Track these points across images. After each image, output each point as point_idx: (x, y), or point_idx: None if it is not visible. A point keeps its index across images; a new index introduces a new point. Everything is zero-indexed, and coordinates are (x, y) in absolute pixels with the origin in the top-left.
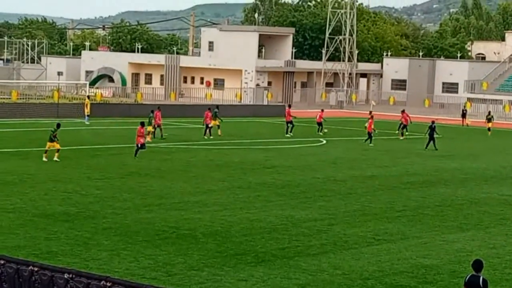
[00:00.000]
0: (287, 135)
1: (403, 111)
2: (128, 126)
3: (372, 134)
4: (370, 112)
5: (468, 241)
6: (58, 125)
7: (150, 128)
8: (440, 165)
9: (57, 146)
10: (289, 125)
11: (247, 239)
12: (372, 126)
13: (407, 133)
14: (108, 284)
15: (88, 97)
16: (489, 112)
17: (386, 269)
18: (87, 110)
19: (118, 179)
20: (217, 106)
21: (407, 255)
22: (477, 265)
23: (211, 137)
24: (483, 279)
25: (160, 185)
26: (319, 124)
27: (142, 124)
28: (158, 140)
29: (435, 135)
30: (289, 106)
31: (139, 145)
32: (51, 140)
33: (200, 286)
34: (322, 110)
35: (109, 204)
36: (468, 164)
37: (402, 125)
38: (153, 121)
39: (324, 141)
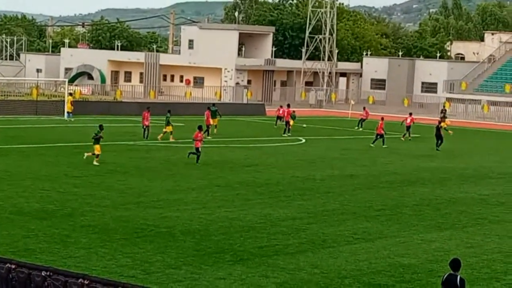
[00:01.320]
0: (285, 135)
1: (410, 114)
2: (107, 123)
3: (383, 136)
4: (382, 118)
5: (446, 240)
6: (101, 127)
7: (169, 128)
8: (419, 164)
9: (99, 150)
10: (287, 124)
11: (226, 237)
12: (383, 127)
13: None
14: (86, 282)
15: (71, 94)
16: (442, 111)
17: (364, 268)
18: (69, 107)
19: (97, 177)
20: (214, 104)
21: (385, 254)
22: (455, 264)
23: (209, 137)
24: (460, 278)
25: (139, 183)
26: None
27: (200, 128)
28: (140, 139)
29: (443, 135)
30: (288, 106)
31: (198, 149)
32: (97, 143)
33: (178, 284)
34: (288, 106)
35: (87, 202)
36: (447, 163)
37: (406, 127)
38: (169, 121)
39: (304, 140)
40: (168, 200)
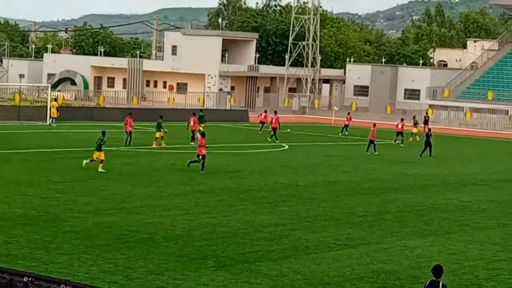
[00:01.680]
0: (270, 139)
1: (402, 120)
2: (90, 129)
3: (374, 142)
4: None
5: (428, 246)
6: (104, 133)
7: (158, 134)
8: (402, 171)
9: (102, 156)
10: (273, 132)
11: (209, 243)
12: (374, 135)
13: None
14: (68, 287)
15: (55, 99)
16: (414, 117)
17: (346, 274)
18: (54, 112)
19: (79, 183)
20: (201, 110)
21: (368, 260)
22: (437, 271)
23: (192, 142)
24: (442, 284)
25: (122, 189)
26: (275, 129)
27: (203, 134)
28: (123, 145)
29: (431, 142)
30: (275, 112)
31: (201, 157)
32: (100, 149)
33: None
34: (276, 113)
35: (69, 208)
36: (429, 170)
37: (397, 132)
38: (162, 126)
39: (287, 146)
40: (151, 206)
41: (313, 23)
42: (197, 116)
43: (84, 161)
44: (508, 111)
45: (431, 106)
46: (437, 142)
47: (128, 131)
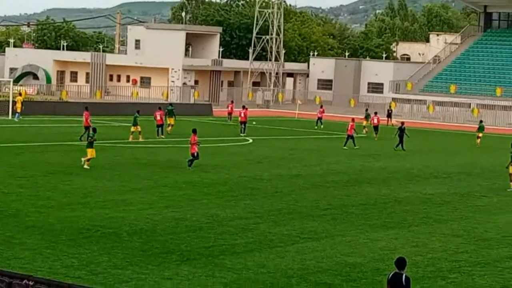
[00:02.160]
0: (242, 135)
1: (375, 113)
2: (52, 124)
3: (353, 136)
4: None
5: (391, 239)
6: (95, 130)
7: (134, 129)
8: (365, 164)
9: (93, 154)
10: (242, 125)
11: (172, 237)
12: (354, 128)
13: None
14: (31, 283)
15: (20, 94)
16: (366, 109)
17: (310, 267)
18: (18, 107)
19: (42, 177)
20: (171, 104)
21: (332, 253)
22: (400, 263)
23: (163, 136)
24: (405, 276)
25: (85, 183)
26: (244, 123)
27: (195, 131)
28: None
29: (404, 137)
30: (243, 107)
31: (195, 154)
32: (91, 146)
33: (124, 285)
34: (244, 107)
35: (32, 203)
36: (392, 163)
37: (374, 127)
38: (138, 121)
39: (251, 140)
40: (114, 200)
41: (277, 17)
42: (166, 110)
43: (84, 163)
44: (470, 104)
45: (394, 99)
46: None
47: (85, 126)
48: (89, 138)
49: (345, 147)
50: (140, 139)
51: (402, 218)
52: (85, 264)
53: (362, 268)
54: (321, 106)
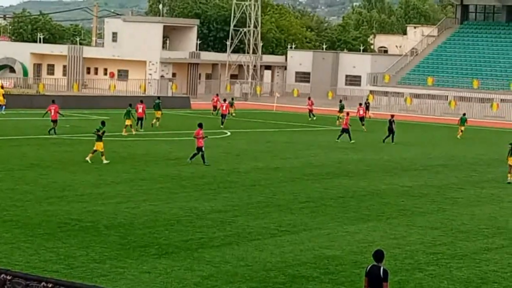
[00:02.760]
0: (222, 126)
1: (360, 104)
2: (29, 117)
3: (349, 131)
4: (348, 113)
5: (369, 232)
6: (103, 123)
7: (128, 122)
8: (343, 157)
9: (102, 147)
10: (223, 118)
11: (151, 231)
12: (349, 123)
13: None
14: (8, 277)
15: (2, 86)
16: (340, 101)
17: (289, 260)
18: (1, 100)
19: (19, 171)
20: (159, 97)
21: (310, 246)
22: (378, 256)
23: (141, 130)
24: (383, 269)
25: (62, 177)
26: (224, 116)
27: (201, 125)
28: (64, 133)
29: (394, 129)
30: (225, 100)
31: (202, 149)
32: (99, 140)
33: (102, 278)
34: (225, 100)
35: (9, 196)
36: (370, 155)
37: (359, 118)
38: (134, 114)
39: (229, 133)
40: (92, 194)
41: (254, 9)
42: (154, 103)
43: (88, 157)
44: (447, 96)
45: (372, 92)
46: (377, 127)
47: (53, 119)
48: (96, 130)
49: (337, 140)
50: (133, 132)
51: (380, 211)
52: (63, 258)
53: (340, 261)
54: (309, 98)
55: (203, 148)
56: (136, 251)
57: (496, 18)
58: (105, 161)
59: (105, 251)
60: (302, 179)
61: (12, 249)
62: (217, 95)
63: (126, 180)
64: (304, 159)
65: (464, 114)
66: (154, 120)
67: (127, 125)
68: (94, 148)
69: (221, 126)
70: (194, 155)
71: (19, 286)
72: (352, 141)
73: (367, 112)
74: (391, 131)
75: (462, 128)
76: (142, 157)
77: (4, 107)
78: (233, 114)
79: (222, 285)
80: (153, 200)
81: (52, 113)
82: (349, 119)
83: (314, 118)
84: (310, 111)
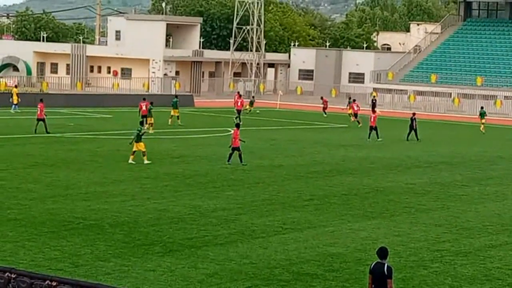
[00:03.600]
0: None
1: (354, 101)
2: (33, 116)
3: (376, 128)
4: (374, 111)
5: (373, 229)
6: (142, 123)
7: (150, 120)
8: (347, 154)
9: (143, 147)
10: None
11: (155, 229)
12: (376, 120)
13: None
14: (13, 275)
15: (16, 86)
16: (321, 97)
17: (293, 258)
18: (15, 99)
19: (23, 170)
20: (176, 96)
21: (314, 243)
22: (382, 253)
23: (147, 126)
24: (387, 266)
25: (66, 175)
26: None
27: (238, 126)
28: (66, 132)
29: (415, 126)
30: (240, 96)
31: (238, 148)
32: (139, 140)
33: (107, 276)
34: (240, 96)
35: (14, 195)
36: (374, 153)
37: (354, 115)
38: (152, 112)
39: (232, 131)
40: (96, 192)
41: (257, 7)
42: (172, 102)
43: (130, 159)
44: (451, 93)
45: (375, 89)
46: (381, 125)
47: (38, 117)
48: (138, 131)
49: (369, 139)
50: (151, 131)
51: (384, 208)
52: (68, 257)
53: (344, 258)
54: (322, 98)
55: (240, 148)
56: (140, 249)
57: (499, 15)
58: (146, 161)
59: (110, 249)
60: (306, 176)
61: (17, 247)
62: (238, 93)
63: (130, 179)
64: (308, 157)
65: (482, 108)
66: (170, 120)
67: (151, 123)
68: (134, 149)
69: (240, 123)
70: (230, 155)
71: (24, 284)
72: (380, 139)
73: (373, 110)
74: (412, 128)
75: (483, 121)
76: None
77: (16, 106)
78: (258, 112)
79: (226, 282)
80: (157, 198)
81: (38, 112)
82: (377, 117)
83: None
84: (325, 108)
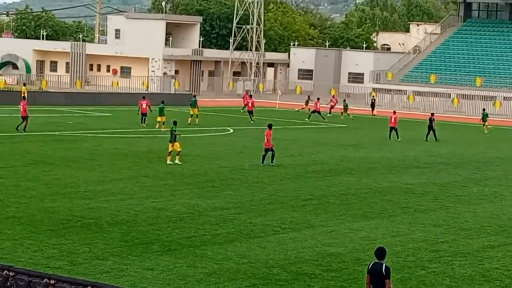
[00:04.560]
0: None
1: (318, 99)
2: (32, 114)
3: (396, 129)
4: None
5: (372, 229)
6: (175, 123)
7: (159, 118)
8: (346, 154)
9: (179, 147)
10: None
11: (153, 228)
12: (397, 120)
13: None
14: (11, 273)
15: (24, 84)
16: (308, 96)
17: (291, 258)
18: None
19: (22, 168)
20: (194, 96)
21: (312, 243)
22: (380, 253)
23: (144, 124)
24: (385, 266)
25: (65, 173)
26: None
27: (270, 126)
28: (66, 129)
29: (434, 127)
30: (251, 96)
31: (271, 149)
32: (174, 140)
33: (105, 275)
34: (251, 97)
35: (12, 193)
36: (373, 153)
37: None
38: (164, 111)
39: (231, 130)
40: (95, 190)
41: (257, 6)
42: (190, 101)
43: (168, 160)
44: (450, 94)
45: (374, 89)
46: (380, 125)
47: (22, 116)
48: (174, 131)
49: (389, 140)
50: (162, 129)
51: (383, 208)
52: (66, 255)
53: (342, 258)
54: (333, 96)
55: (273, 149)
56: (138, 248)
57: (499, 16)
58: (178, 161)
59: (108, 247)
60: (304, 176)
61: (15, 245)
62: (247, 92)
63: (128, 177)
64: (307, 157)
65: (484, 109)
66: (191, 119)
67: (159, 122)
68: (170, 150)
69: (251, 121)
70: (264, 156)
71: (22, 282)
72: (399, 139)
73: (373, 110)
74: (430, 128)
75: (486, 123)
76: (145, 154)
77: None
78: (242, 110)
79: (224, 282)
80: (156, 197)
81: (21, 110)
82: (398, 118)
83: (348, 115)
84: (332, 107)
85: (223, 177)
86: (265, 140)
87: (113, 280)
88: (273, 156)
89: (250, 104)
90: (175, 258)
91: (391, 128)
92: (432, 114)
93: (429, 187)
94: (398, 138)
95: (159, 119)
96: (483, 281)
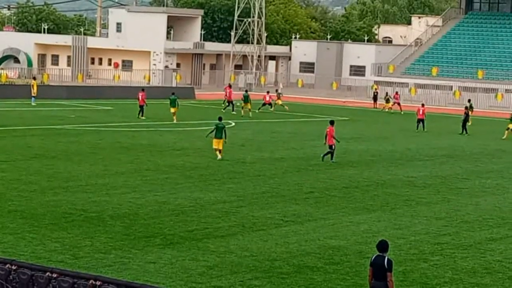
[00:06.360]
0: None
1: (267, 92)
2: (33, 107)
3: (424, 121)
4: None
5: (374, 222)
6: (220, 119)
7: (173, 110)
8: (348, 147)
9: (220, 145)
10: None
11: (155, 221)
12: (425, 113)
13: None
14: (14, 267)
15: (34, 78)
16: (276, 90)
17: (293, 251)
18: (33, 91)
19: (24, 161)
20: (246, 90)
21: (315, 236)
22: (382, 246)
23: (143, 117)
24: (388, 259)
25: (67, 167)
26: (270, 104)
27: (332, 123)
28: (68, 123)
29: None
30: (268, 92)
31: (332, 147)
32: (220, 137)
33: (107, 269)
34: (268, 92)
35: (14, 187)
36: (375, 146)
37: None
38: (177, 102)
39: (233, 124)
40: (97, 184)
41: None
42: (242, 96)
43: (219, 157)
44: (452, 87)
45: (376, 82)
46: (383, 117)
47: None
48: (222, 126)
49: (417, 130)
50: (174, 121)
51: (385, 201)
52: (68, 248)
53: (345, 251)
54: (396, 93)
55: (333, 146)
56: (141, 242)
57: (501, 9)
58: (219, 156)
59: (110, 241)
60: (306, 169)
61: (17, 239)
62: (268, 92)
63: (130, 171)
64: (309, 150)
65: (470, 100)
66: (243, 111)
67: (173, 113)
68: (215, 147)
69: (271, 109)
70: (330, 153)
71: (24, 276)
72: (426, 130)
73: (375, 103)
74: (465, 121)
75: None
76: (147, 148)
77: (34, 98)
78: (286, 107)
79: (226, 275)
80: (158, 191)
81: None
82: (425, 110)
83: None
84: (398, 104)
85: (225, 170)
86: (328, 137)
87: (116, 274)
88: (332, 153)
89: (267, 98)
90: (177, 252)
91: (419, 120)
92: (466, 108)
93: (431, 179)
94: (424, 129)
95: (172, 110)
96: (485, 274)
